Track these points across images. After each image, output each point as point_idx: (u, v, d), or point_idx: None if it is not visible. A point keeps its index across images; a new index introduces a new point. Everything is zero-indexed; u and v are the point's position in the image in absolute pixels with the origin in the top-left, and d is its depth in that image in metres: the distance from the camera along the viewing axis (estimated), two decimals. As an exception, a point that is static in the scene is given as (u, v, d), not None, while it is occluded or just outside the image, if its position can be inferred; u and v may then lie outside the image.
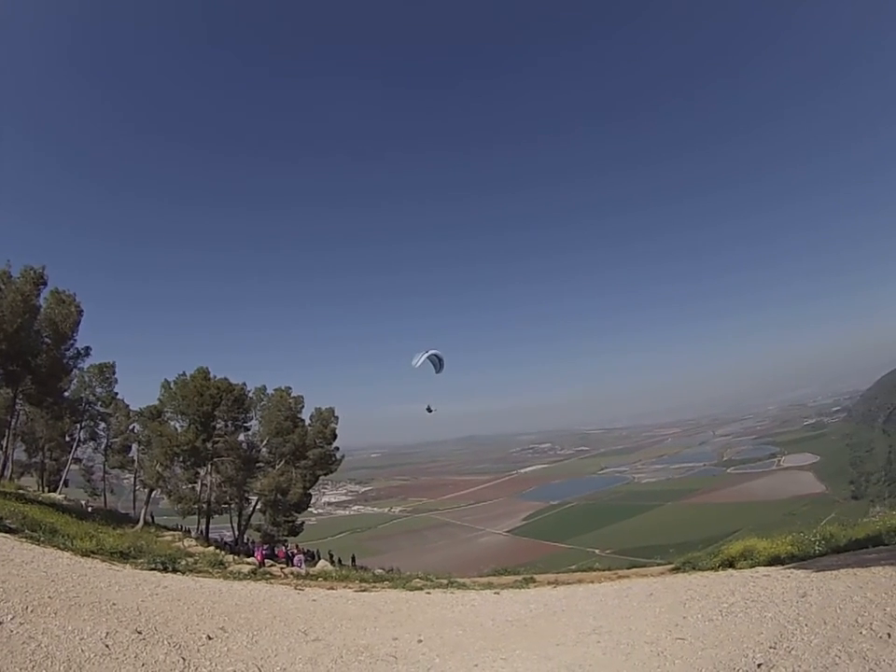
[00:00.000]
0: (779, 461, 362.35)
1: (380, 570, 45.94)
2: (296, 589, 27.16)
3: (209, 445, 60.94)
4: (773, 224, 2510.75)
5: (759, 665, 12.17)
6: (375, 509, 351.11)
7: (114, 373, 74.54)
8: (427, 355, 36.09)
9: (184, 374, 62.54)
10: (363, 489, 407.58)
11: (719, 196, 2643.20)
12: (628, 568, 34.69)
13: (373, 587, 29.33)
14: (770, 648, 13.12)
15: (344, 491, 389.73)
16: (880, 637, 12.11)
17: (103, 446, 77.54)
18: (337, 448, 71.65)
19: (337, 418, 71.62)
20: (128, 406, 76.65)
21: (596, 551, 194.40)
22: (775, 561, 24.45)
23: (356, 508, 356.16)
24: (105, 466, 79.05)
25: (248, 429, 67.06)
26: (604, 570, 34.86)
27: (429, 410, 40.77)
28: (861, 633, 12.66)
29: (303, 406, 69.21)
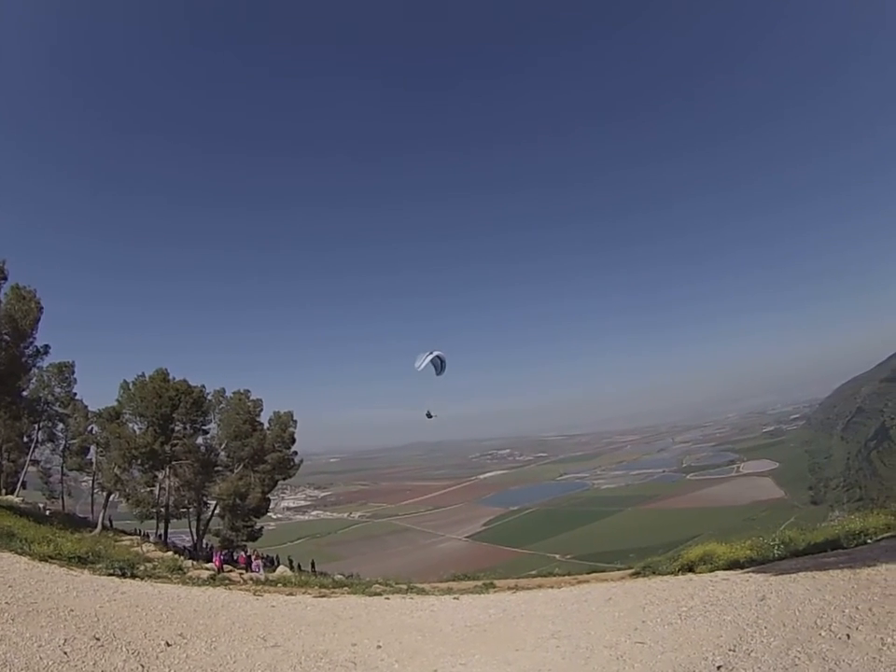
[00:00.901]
0: (738, 467, 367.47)
1: (340, 576, 45.76)
2: (255, 595, 26.92)
3: (167, 448, 60.16)
4: (736, 237, 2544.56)
5: (718, 668, 12.37)
6: (335, 514, 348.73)
7: (73, 373, 73.20)
8: (430, 356, 34.69)
9: (143, 375, 61.63)
10: (322, 494, 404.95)
11: (687, 206, 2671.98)
12: (588, 573, 34.94)
13: (333, 593, 29.16)
14: (730, 650, 13.33)
15: (304, 496, 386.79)
16: (839, 638, 12.34)
17: (61, 448, 76.17)
18: (296, 452, 71.19)
19: (296, 422, 71.18)
20: (86, 407, 75.30)
21: (557, 556, 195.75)
22: (734, 565, 24.68)
23: (315, 513, 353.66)
24: (63, 468, 77.65)
25: (207, 433, 66.32)
26: (564, 575, 35.04)
27: (429, 415, 38.89)
28: (820, 634, 12.90)
29: (262, 409, 68.70)
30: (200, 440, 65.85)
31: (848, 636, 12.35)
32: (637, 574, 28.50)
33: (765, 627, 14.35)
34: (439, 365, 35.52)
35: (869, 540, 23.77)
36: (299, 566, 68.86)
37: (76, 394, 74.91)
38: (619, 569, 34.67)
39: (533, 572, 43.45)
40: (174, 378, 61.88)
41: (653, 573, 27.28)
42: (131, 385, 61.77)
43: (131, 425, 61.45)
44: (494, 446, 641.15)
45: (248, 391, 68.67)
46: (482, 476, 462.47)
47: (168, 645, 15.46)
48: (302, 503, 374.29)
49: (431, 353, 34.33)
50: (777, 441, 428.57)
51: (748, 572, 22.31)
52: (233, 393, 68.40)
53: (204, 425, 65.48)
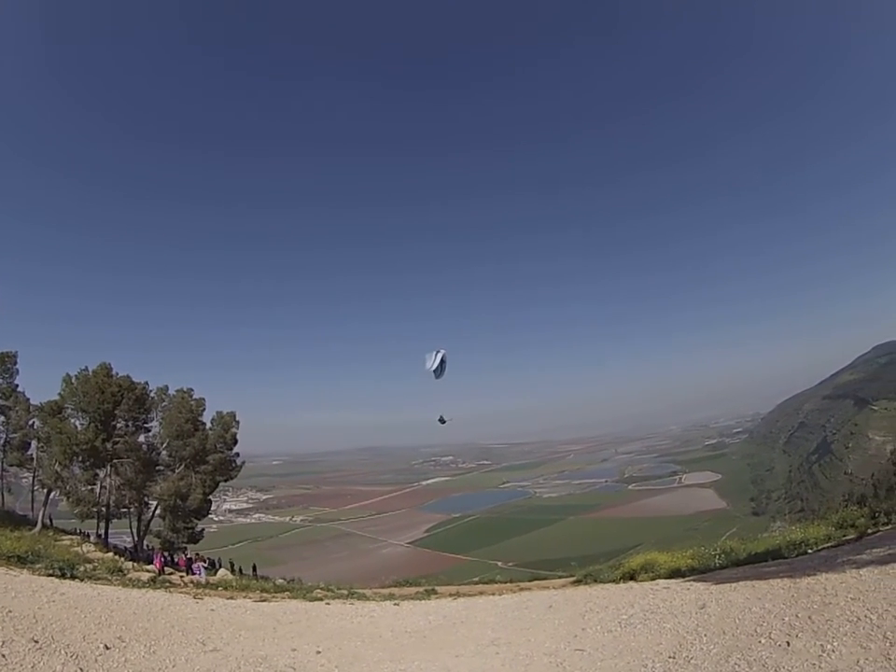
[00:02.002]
0: (681, 479, 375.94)
1: (281, 580, 45.45)
2: (195, 598, 26.72)
3: (109, 445, 59.08)
4: (683, 254, 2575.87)
5: (659, 675, 12.50)
6: (276, 517, 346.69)
7: (15, 363, 71.32)
8: (440, 355, 33.17)
9: (86, 369, 60.41)
10: (264, 497, 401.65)
11: (634, 224, 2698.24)
12: (530, 581, 35.13)
13: (273, 597, 29.07)
14: (669, 658, 13.55)
15: (245, 498, 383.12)
16: (779, 646, 12.62)
17: (1, 442, 74.39)
18: (237, 454, 70.29)
19: (238, 423, 70.27)
20: (28, 400, 73.44)
21: (499, 563, 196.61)
22: (675, 574, 25.14)
23: (256, 516, 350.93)
24: (2, 463, 75.78)
25: (149, 431, 65.17)
26: (506, 582, 35.28)
27: (442, 421, 37.60)
28: (760, 641, 13.18)
29: (205, 409, 67.57)
30: (142, 438, 64.71)
31: (788, 643, 12.63)
32: (578, 582, 28.80)
33: (705, 635, 14.64)
34: (440, 367, 34.80)
35: (810, 550, 24.43)
36: (240, 569, 68.28)
37: (17, 386, 73.16)
38: (561, 577, 34.89)
39: (475, 579, 43.84)
40: (117, 373, 60.82)
41: (595, 581, 27.59)
42: (73, 379, 60.52)
43: (73, 420, 60.20)
44: (436, 453, 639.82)
45: (192, 389, 67.59)
46: (424, 482, 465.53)
47: (107, 648, 15.28)
48: (245, 506, 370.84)
49: (438, 352, 33.17)
50: (720, 454, 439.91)
51: (688, 581, 22.74)
52: (176, 391, 67.25)
53: (147, 423, 64.33)
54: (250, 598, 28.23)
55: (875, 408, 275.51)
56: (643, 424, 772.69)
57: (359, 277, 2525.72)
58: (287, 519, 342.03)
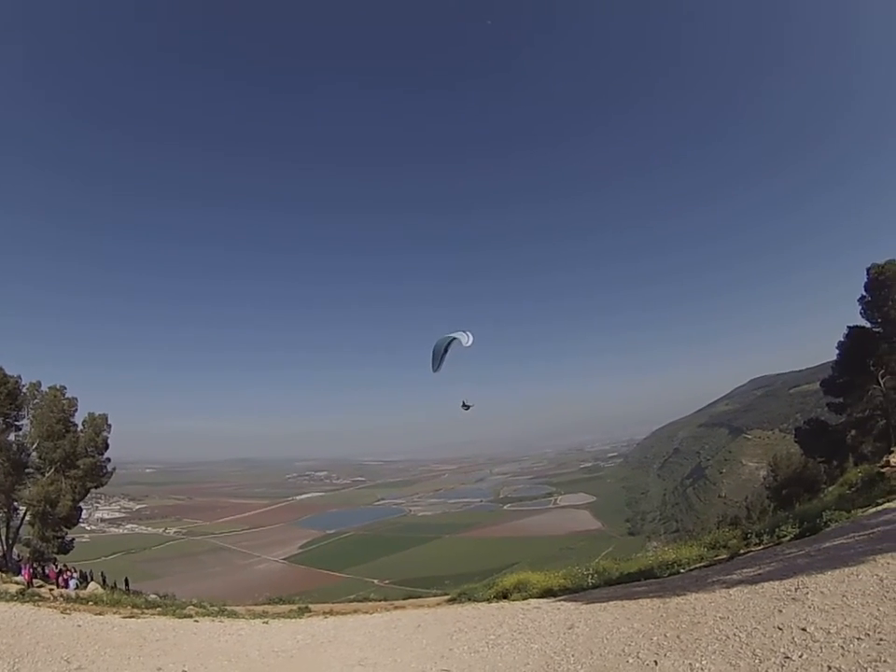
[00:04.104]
0: (556, 500, 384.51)
1: (154, 596, 44.33)
2: (63, 613, 25.77)
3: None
4: (575, 282, 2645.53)
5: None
6: (150, 528, 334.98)
7: None
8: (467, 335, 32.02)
9: (-48, 359, 57.57)
10: (137, 506, 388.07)
11: (519, 251, 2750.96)
12: (404, 599, 35.19)
13: (143, 614, 28.20)
14: (536, 678, 13.76)
15: (118, 507, 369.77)
16: (647, 665, 13.04)
17: None
18: (108, 459, 67.88)
19: (110, 426, 67.76)
20: None
21: (375, 581, 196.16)
22: (547, 593, 25.48)
23: (130, 526, 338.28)
24: None
25: (20, 429, 62.56)
26: (380, 601, 35.15)
27: (465, 406, 35.55)
28: (627, 661, 13.60)
29: (77, 409, 65.08)
30: (12, 436, 62.06)
31: (656, 662, 13.01)
32: (453, 600, 28.91)
33: (572, 655, 14.95)
34: (439, 358, 33.81)
35: (682, 570, 25.24)
36: (115, 583, 66.13)
37: None
38: (436, 596, 35.05)
39: (351, 597, 43.41)
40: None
41: (469, 600, 27.72)
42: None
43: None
44: (311, 467, 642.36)
45: (64, 387, 65.01)
46: (299, 497, 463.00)
47: (-32, 666, 14.73)
48: (117, 515, 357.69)
49: (467, 334, 32.08)
50: (595, 477, 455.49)
51: (559, 600, 23.19)
52: (49, 388, 64.67)
53: (17, 420, 61.72)
54: (120, 614, 27.33)
55: (749, 437, 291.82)
56: (519, 446, 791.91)
57: (238, 281, 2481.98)
58: (161, 531, 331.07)
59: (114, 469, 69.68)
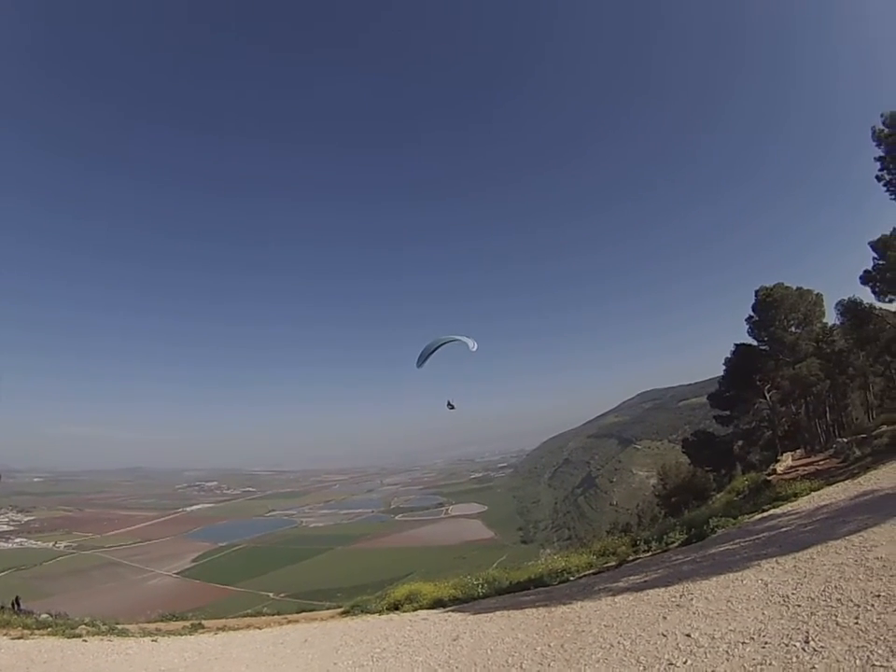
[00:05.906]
0: (447, 510, 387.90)
1: (46, 615, 42.73)
2: (-51, 636, 24.61)
3: None
4: (446, 313, 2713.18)
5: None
6: (39, 542, 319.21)
7: None
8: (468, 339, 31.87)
9: None
10: (26, 519, 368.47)
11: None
12: (298, 612, 34.79)
13: (33, 634, 27.09)
14: (417, 692, 13.74)
15: (7, 520, 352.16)
16: (530, 677, 12.83)
17: None
18: (-8, 467, 65.29)
19: (-4, 434, 65.42)
20: None
21: (271, 594, 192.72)
22: (437, 604, 25.29)
23: (19, 540, 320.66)
24: None
25: None
26: (274, 615, 34.60)
27: (450, 406, 35.95)
28: (510, 673, 13.43)
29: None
30: None
31: (539, 672, 12.88)
32: (346, 613, 28.65)
33: (456, 667, 14.90)
34: (425, 355, 33.39)
35: (571, 578, 25.43)
36: (2, 604, 63.49)
37: None
38: (329, 609, 34.75)
39: (250, 611, 42.78)
40: None
41: (362, 612, 27.47)
42: None
43: None
44: (200, 477, 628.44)
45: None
46: (189, 508, 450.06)
47: None
48: (5, 528, 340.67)
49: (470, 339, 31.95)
50: (486, 487, 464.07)
51: (448, 611, 23.05)
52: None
53: None
54: (9, 636, 26.23)
55: (639, 447, 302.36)
56: (409, 458, 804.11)
57: (122, 291, 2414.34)
58: (51, 545, 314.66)
59: (0, 478, 67.16)
